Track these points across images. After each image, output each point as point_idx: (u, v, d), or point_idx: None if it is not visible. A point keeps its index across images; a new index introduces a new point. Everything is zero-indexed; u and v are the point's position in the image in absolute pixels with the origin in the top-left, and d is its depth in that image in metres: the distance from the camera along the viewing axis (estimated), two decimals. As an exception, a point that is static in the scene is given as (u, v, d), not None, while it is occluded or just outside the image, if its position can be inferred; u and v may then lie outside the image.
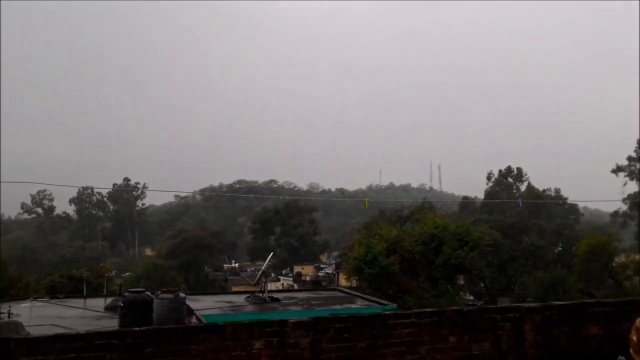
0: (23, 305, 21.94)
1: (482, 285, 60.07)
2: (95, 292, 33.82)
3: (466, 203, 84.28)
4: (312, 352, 6.51)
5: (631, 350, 6.91)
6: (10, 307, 17.65)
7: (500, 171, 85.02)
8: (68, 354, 5.67)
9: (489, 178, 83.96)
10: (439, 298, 36.26)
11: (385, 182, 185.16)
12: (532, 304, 7.56)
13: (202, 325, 6.33)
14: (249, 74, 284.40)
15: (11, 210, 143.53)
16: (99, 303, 22.23)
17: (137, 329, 6.13)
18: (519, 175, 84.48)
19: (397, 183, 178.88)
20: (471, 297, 54.68)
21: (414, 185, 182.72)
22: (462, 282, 42.41)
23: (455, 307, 7.39)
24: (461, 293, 40.89)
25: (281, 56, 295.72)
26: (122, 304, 14.71)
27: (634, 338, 6.90)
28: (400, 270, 38.42)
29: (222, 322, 6.49)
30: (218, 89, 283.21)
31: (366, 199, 23.06)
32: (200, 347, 6.17)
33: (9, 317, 15.97)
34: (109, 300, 21.56)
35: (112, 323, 16.10)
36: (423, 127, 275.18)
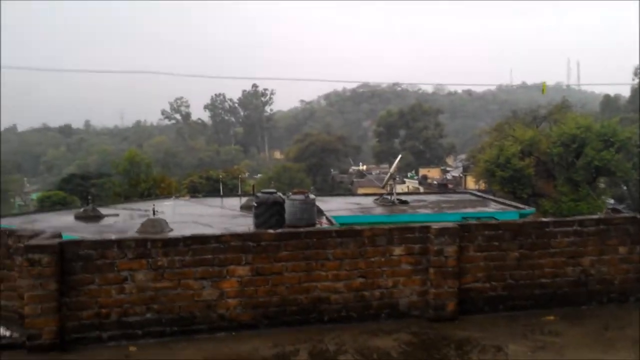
0: (166, 203, 23.49)
1: (625, 188, 55.68)
2: (230, 192, 35.58)
3: (608, 101, 76.99)
4: (458, 261, 5.90)
5: None
6: (154, 205, 18.82)
7: (650, 65, 75.80)
8: (204, 255, 5.55)
9: (635, 73, 75.29)
10: (578, 202, 34.07)
11: (516, 82, 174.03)
12: None
13: (339, 230, 5.90)
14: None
15: (153, 117, 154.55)
16: (235, 202, 23.22)
17: (272, 231, 5.86)
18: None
19: (529, 82, 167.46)
20: (611, 201, 51.03)
21: (550, 83, 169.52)
22: (602, 186, 39.39)
23: (627, 215, 6.31)
24: (603, 197, 38.11)
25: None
26: (256, 204, 15.03)
27: None
28: (535, 174, 36.42)
29: (359, 226, 6.02)
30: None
31: (544, 84, 20.56)
32: (337, 251, 5.80)
33: (154, 214, 17.01)
34: (244, 200, 22.39)
35: (247, 221, 16.63)
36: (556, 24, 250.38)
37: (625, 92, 75.92)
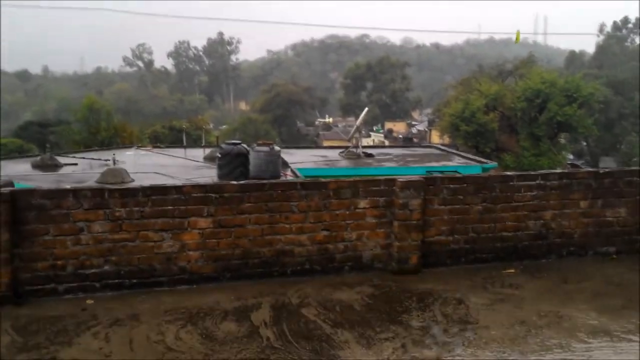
0: (128, 153, 22.95)
1: (585, 144, 56.97)
2: (194, 143, 34.99)
3: (573, 57, 77.82)
4: (422, 214, 5.88)
5: None
6: (115, 154, 18.35)
7: (614, 22, 76.61)
8: (164, 206, 5.39)
9: (601, 30, 76.07)
10: (540, 157, 34.74)
11: (484, 36, 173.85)
12: (685, 168, 6.41)
13: (304, 182, 5.80)
14: None
15: (114, 63, 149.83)
16: (198, 153, 22.82)
17: (235, 182, 5.72)
18: (638, 26, 75.71)
19: (497, 37, 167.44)
20: (571, 157, 52.23)
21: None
22: (563, 141, 40.18)
23: (590, 169, 6.38)
24: (563, 152, 38.96)
25: None
26: (220, 155, 14.79)
27: None
28: (498, 128, 36.83)
29: (324, 178, 5.93)
30: None
31: (518, 33, 20.21)
32: (301, 204, 5.71)
33: (114, 164, 16.61)
34: (208, 151, 22.03)
35: (210, 173, 16.40)
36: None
37: (591, 48, 76.85)
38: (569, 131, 37.09)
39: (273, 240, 5.70)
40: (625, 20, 75.97)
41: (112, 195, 5.28)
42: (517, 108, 35.64)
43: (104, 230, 5.30)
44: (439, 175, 6.42)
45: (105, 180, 14.09)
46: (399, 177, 5.96)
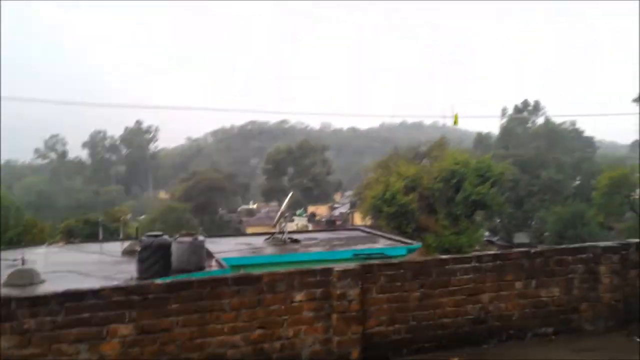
0: (38, 251, 21.44)
1: (499, 221, 59.52)
2: (112, 236, 33.41)
3: (480, 139, 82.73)
4: (361, 304, 5.64)
5: None
6: (24, 253, 17.04)
7: (516, 106, 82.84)
8: (80, 314, 4.84)
9: (503, 114, 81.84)
10: (459, 235, 35.77)
11: (397, 120, 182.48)
12: (608, 243, 6.62)
13: (236, 276, 5.45)
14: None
15: (25, 156, 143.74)
16: (116, 247, 21.68)
17: (160, 282, 5.28)
18: (536, 108, 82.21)
19: (409, 120, 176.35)
20: (487, 233, 54.23)
21: (427, 122, 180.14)
22: (479, 219, 41.78)
23: (522, 249, 6.45)
24: (480, 230, 40.38)
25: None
26: (139, 248, 14.02)
27: None
28: (418, 208, 37.82)
29: (257, 272, 5.60)
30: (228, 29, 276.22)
31: (456, 115, 20.88)
32: (234, 301, 5.33)
33: (22, 264, 15.36)
34: (126, 244, 20.97)
35: (130, 268, 15.48)
36: (435, 65, 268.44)
37: (496, 130, 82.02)
38: (484, 209, 38.66)
39: (204, 344, 5.23)
40: (525, 103, 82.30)
41: (21, 305, 4.70)
42: (434, 188, 36.93)
43: (9, 345, 4.66)
44: (376, 261, 6.25)
45: (12, 283, 12.92)
46: (336, 265, 5.74)
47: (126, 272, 15.12)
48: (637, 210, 45.94)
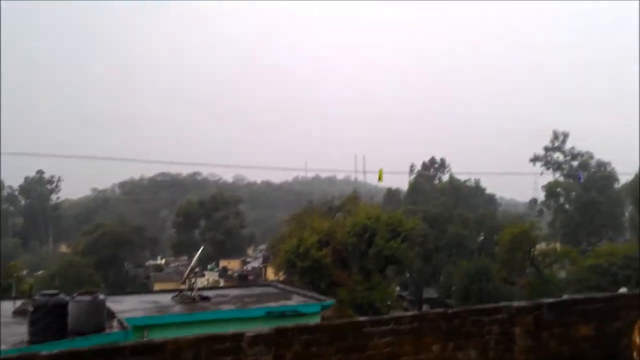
0: None
1: (408, 275, 60.57)
2: (4, 294, 30.69)
3: (390, 194, 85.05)
4: (274, 372, 5.24)
5: (635, 354, 6.11)
6: None
7: (423, 163, 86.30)
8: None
9: (411, 170, 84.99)
10: (371, 290, 35.85)
11: (310, 174, 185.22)
12: (522, 303, 6.66)
13: (135, 345, 4.90)
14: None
15: None
16: (7, 306, 19.80)
17: (47, 353, 4.63)
18: (442, 165, 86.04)
19: (322, 175, 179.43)
20: (398, 288, 54.92)
21: (339, 177, 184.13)
22: (390, 274, 42.29)
23: (438, 310, 6.35)
24: (393, 284, 40.80)
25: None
26: (32, 309, 12.80)
27: (638, 340, 6.11)
28: (332, 263, 37.71)
29: (160, 338, 5.08)
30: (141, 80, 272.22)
31: (381, 171, 21.18)
32: (132, 374, 4.75)
33: None
34: (19, 303, 19.20)
35: (20, 330, 14.07)
36: (348, 119, 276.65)
37: (404, 185, 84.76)
38: (394, 264, 39.17)
39: None
40: (432, 160, 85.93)
41: None
42: (348, 243, 37.08)
43: None
44: (291, 325, 5.89)
45: None
46: (247, 330, 5.33)
47: (16, 334, 13.75)
48: (537, 265, 48.30)
